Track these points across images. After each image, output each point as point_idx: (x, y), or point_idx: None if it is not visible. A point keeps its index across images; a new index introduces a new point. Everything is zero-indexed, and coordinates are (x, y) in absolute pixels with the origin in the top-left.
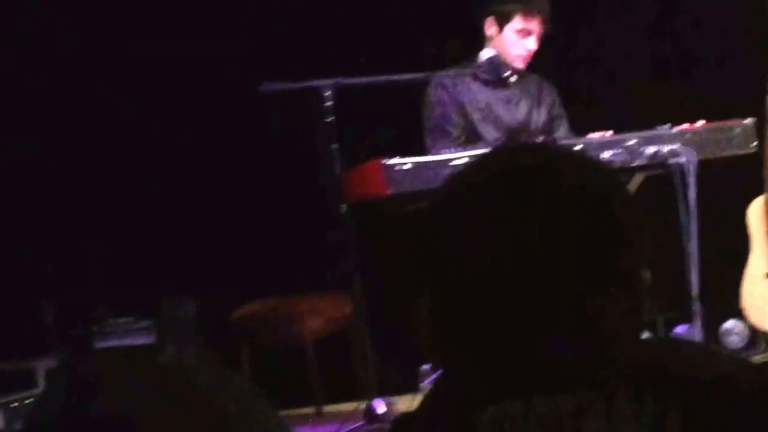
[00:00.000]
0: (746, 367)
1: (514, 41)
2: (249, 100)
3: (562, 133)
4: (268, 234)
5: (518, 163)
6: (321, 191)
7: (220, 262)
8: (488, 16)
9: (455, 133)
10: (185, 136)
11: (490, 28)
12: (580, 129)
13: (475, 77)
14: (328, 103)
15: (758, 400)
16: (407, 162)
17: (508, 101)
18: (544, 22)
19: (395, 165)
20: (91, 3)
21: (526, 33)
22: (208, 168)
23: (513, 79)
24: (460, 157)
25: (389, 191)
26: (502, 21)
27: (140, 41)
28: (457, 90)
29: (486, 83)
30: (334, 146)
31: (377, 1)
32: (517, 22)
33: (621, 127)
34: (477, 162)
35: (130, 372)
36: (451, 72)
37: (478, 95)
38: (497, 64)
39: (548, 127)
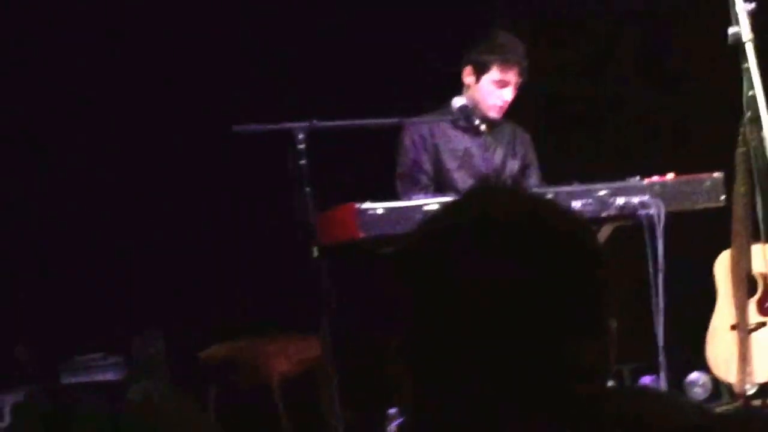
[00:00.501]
0: (712, 418)
1: (491, 91)
2: (223, 141)
3: (533, 182)
4: (238, 274)
5: (493, 208)
6: (293, 233)
7: (190, 301)
8: (466, 65)
9: (425, 181)
10: (158, 176)
11: (467, 76)
12: (551, 178)
13: (453, 124)
14: (302, 146)
15: None
16: (380, 207)
17: (485, 149)
18: (521, 74)
19: (368, 209)
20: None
21: (502, 84)
22: (181, 207)
23: (483, 127)
24: (432, 203)
25: (362, 235)
26: (480, 71)
27: (116, 77)
28: (433, 136)
29: (463, 130)
30: (307, 189)
31: (354, 46)
32: (494, 73)
33: (591, 177)
34: (452, 206)
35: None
36: (427, 118)
37: (455, 142)
38: (468, 113)
39: (521, 175)
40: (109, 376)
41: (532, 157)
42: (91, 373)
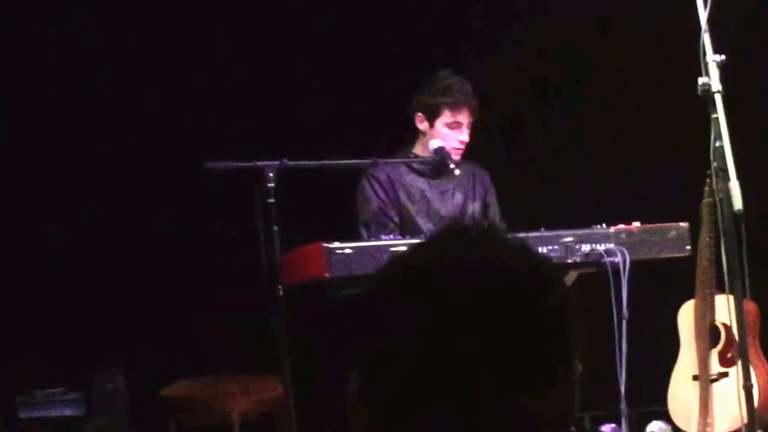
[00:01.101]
0: None
1: (447, 134)
2: (192, 178)
3: (494, 220)
4: (201, 312)
5: (455, 255)
6: (259, 272)
7: (152, 338)
8: (417, 111)
9: (392, 225)
10: (123, 210)
11: (421, 123)
12: (516, 224)
13: (410, 168)
14: (271, 184)
15: None
16: (348, 246)
17: (443, 192)
18: (473, 113)
19: (336, 249)
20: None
21: (456, 125)
22: (146, 243)
23: (457, 171)
24: (400, 244)
25: (329, 275)
26: (432, 116)
27: (89, 108)
28: (392, 181)
29: (420, 174)
30: (275, 228)
31: (323, 87)
32: (446, 116)
33: (557, 223)
34: (414, 251)
35: None
36: (389, 160)
37: (413, 187)
38: (444, 155)
39: (483, 216)
40: (68, 411)
41: (492, 195)
42: (50, 409)
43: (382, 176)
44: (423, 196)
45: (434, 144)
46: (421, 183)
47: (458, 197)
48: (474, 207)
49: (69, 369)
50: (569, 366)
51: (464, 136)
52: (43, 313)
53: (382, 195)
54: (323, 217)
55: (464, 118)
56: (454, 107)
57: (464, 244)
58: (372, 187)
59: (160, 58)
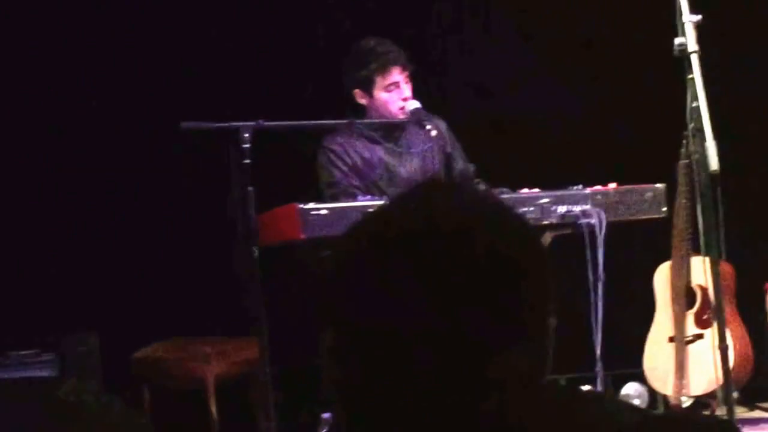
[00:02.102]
0: (648, 419)
1: (388, 98)
2: (167, 138)
3: (460, 165)
4: (177, 274)
5: (422, 213)
6: (234, 233)
7: (126, 301)
8: (352, 89)
9: (359, 193)
10: (98, 171)
11: (361, 98)
12: (492, 185)
13: (362, 137)
14: (247, 145)
15: None
16: (323, 207)
17: (401, 155)
18: (405, 67)
19: (311, 210)
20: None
21: (394, 86)
22: (120, 204)
23: (433, 133)
24: (375, 205)
25: (303, 236)
26: (367, 88)
27: (64, 72)
28: (347, 151)
29: (373, 141)
30: (250, 188)
31: (304, 48)
32: (379, 83)
33: (533, 184)
34: (384, 210)
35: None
36: (365, 120)
37: (369, 153)
38: (421, 116)
39: (447, 167)
40: (41, 373)
41: (451, 143)
42: (23, 370)
43: (337, 147)
44: (381, 161)
45: (411, 105)
46: (377, 149)
47: (417, 156)
48: (434, 161)
49: (42, 331)
50: (543, 321)
51: (405, 91)
52: (15, 275)
53: (341, 165)
54: (299, 178)
55: (397, 75)
56: (384, 71)
57: (431, 203)
58: (330, 159)
59: (135, 19)
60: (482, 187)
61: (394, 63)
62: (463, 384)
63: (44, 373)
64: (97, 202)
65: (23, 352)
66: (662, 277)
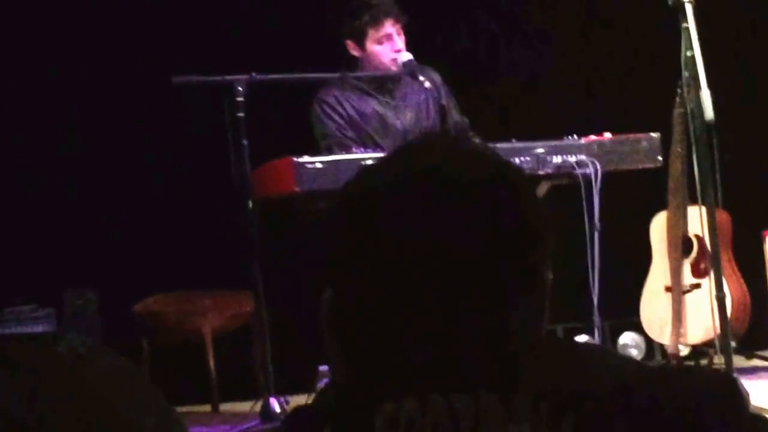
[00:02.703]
0: (645, 371)
1: (380, 51)
2: (160, 92)
3: (454, 118)
4: (173, 227)
5: (421, 164)
6: (230, 186)
7: (123, 254)
8: (344, 40)
9: (353, 145)
10: (93, 126)
11: (354, 50)
12: (487, 135)
13: (356, 89)
14: (241, 99)
15: (652, 408)
16: (318, 160)
17: (395, 107)
18: (398, 19)
19: (306, 163)
20: None
21: (386, 38)
22: (115, 159)
23: (427, 84)
24: (371, 158)
25: (299, 189)
26: (359, 39)
27: (54, 30)
28: (341, 103)
29: (368, 94)
30: (245, 142)
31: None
32: (371, 35)
33: (528, 134)
34: (380, 163)
35: (26, 359)
36: (357, 73)
37: (364, 106)
38: (413, 68)
39: (441, 119)
40: (40, 328)
41: (446, 96)
42: (22, 325)
43: (331, 99)
44: (376, 113)
45: (404, 57)
46: (371, 101)
47: (413, 108)
48: (429, 114)
49: (39, 285)
50: (539, 274)
51: (398, 44)
52: (12, 229)
53: (336, 117)
54: (294, 131)
55: (390, 27)
56: (376, 23)
57: (429, 158)
58: (324, 111)
59: None
60: (477, 140)
61: (386, 15)
62: (460, 334)
63: (42, 329)
64: (93, 156)
65: (21, 308)
66: (658, 226)
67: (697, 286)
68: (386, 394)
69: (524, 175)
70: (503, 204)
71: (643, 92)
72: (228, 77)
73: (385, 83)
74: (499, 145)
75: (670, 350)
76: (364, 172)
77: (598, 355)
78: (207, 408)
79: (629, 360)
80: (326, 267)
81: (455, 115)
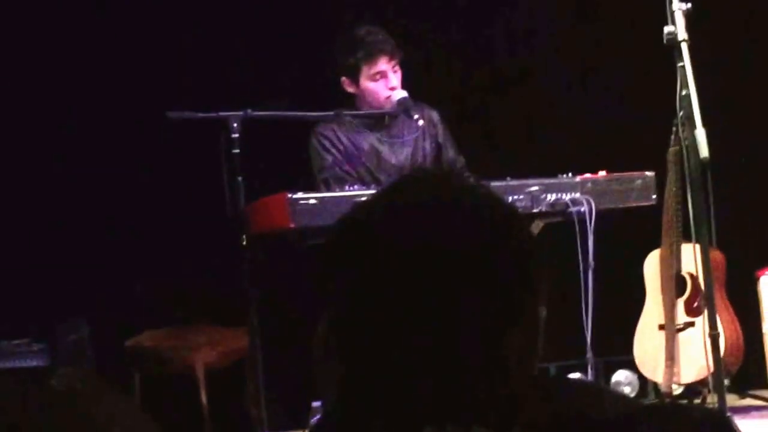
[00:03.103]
0: (638, 409)
1: (375, 87)
2: (156, 128)
3: (450, 156)
4: (167, 263)
5: (414, 199)
6: (225, 222)
7: (117, 289)
8: (339, 77)
9: (350, 178)
10: (87, 161)
11: (349, 86)
12: (482, 173)
13: (352, 124)
14: (236, 135)
15: None
16: (312, 197)
17: (392, 144)
18: (393, 55)
19: (300, 199)
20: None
21: (380, 75)
22: (110, 194)
23: (420, 122)
24: (365, 194)
25: (293, 225)
26: (354, 76)
27: (53, 60)
28: (339, 137)
29: (366, 128)
30: (240, 178)
31: (291, 39)
32: (365, 72)
33: (523, 172)
34: (374, 197)
35: (19, 394)
36: (353, 112)
37: (361, 141)
38: (408, 106)
39: (436, 157)
40: (33, 362)
41: (443, 133)
42: (15, 359)
43: (330, 133)
44: (372, 148)
45: (398, 95)
46: (367, 137)
47: (408, 144)
48: (426, 150)
49: (33, 320)
50: (532, 311)
51: (393, 81)
52: (6, 263)
53: (333, 150)
54: (288, 167)
55: (384, 64)
56: (370, 60)
57: (424, 191)
58: (322, 144)
59: (124, 9)
60: (471, 178)
61: (381, 52)
62: (454, 369)
63: (35, 363)
64: (88, 190)
65: (14, 341)
66: (652, 264)
67: (691, 324)
68: (379, 427)
69: (516, 211)
70: (495, 240)
71: (638, 131)
72: (223, 113)
73: (380, 120)
74: (493, 183)
75: (663, 389)
76: (358, 206)
77: (592, 392)
78: None
79: (623, 397)
80: (320, 300)
81: (451, 153)
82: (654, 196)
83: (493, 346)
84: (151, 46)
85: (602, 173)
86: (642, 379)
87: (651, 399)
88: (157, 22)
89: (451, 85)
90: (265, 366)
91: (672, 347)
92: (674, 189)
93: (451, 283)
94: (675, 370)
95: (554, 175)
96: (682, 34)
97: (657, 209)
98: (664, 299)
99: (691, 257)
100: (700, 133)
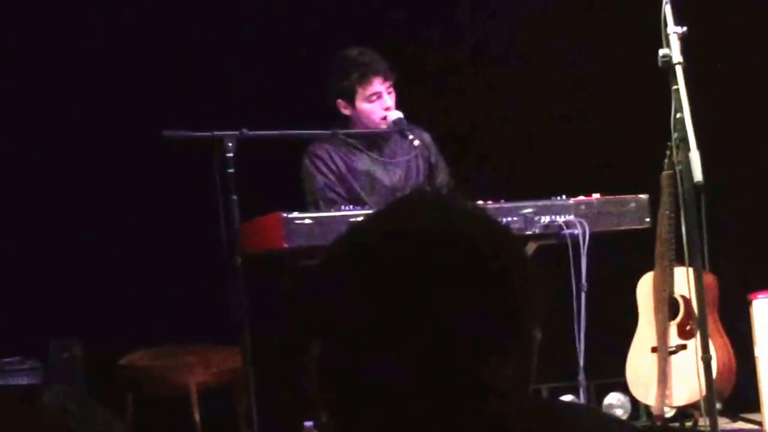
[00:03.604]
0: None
1: (370, 109)
2: (150, 146)
3: (442, 179)
4: (160, 282)
5: (411, 221)
6: (217, 241)
7: (110, 308)
8: (335, 100)
9: (340, 200)
10: (80, 179)
11: (344, 108)
12: (476, 195)
13: (348, 145)
14: (230, 154)
15: None
16: (307, 216)
17: (385, 164)
18: (387, 77)
19: (295, 219)
20: None
21: (375, 97)
22: (103, 212)
23: (416, 143)
24: (360, 215)
25: (287, 245)
26: (349, 98)
27: (45, 81)
28: (332, 158)
29: (360, 150)
30: (234, 197)
31: (287, 57)
32: (360, 94)
33: (517, 194)
34: (371, 219)
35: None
36: (348, 130)
37: (355, 162)
38: (403, 126)
39: (429, 178)
40: (25, 380)
41: (435, 155)
42: (6, 377)
43: (323, 153)
44: (366, 169)
45: (393, 115)
46: (362, 158)
47: (401, 166)
48: (419, 172)
49: (25, 338)
50: (527, 333)
51: (387, 102)
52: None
53: (325, 170)
54: (282, 187)
55: (378, 86)
56: (364, 81)
57: (419, 213)
58: (314, 164)
59: (119, 27)
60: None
61: (375, 73)
62: (450, 390)
63: (28, 381)
64: (81, 209)
65: (6, 360)
66: (645, 287)
67: (683, 347)
68: None
69: (512, 234)
70: (491, 262)
71: (632, 153)
72: (218, 133)
73: (375, 140)
74: (486, 205)
75: (655, 411)
76: (353, 228)
77: (584, 414)
78: None
79: (616, 420)
80: (314, 320)
81: (442, 175)
82: (648, 219)
83: (487, 367)
84: (147, 64)
85: (596, 196)
86: (634, 401)
87: (643, 422)
88: (154, 42)
89: (444, 106)
90: (258, 385)
91: (664, 370)
92: (667, 212)
93: (447, 303)
94: (667, 392)
95: (548, 197)
96: (676, 57)
97: (650, 232)
98: (656, 322)
99: (684, 280)
100: (694, 156)
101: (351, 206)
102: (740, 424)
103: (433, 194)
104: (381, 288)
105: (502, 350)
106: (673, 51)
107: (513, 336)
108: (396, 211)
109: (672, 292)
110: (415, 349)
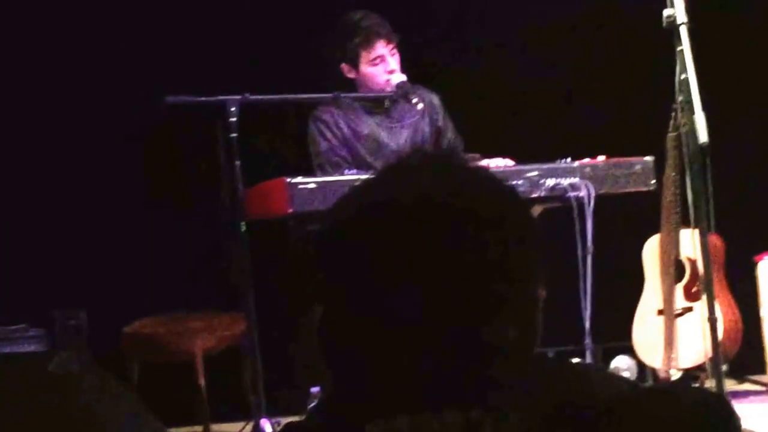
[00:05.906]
0: (638, 390)
1: (374, 72)
2: (153, 112)
3: (449, 139)
4: (164, 248)
5: (411, 185)
6: (222, 207)
7: (114, 275)
8: (339, 64)
9: (345, 164)
10: (84, 146)
11: (349, 72)
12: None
13: (353, 108)
14: (233, 119)
15: (647, 426)
16: (311, 181)
17: (391, 127)
18: (390, 39)
19: (299, 184)
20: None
21: (379, 60)
22: (107, 180)
23: (420, 106)
24: (363, 178)
25: (291, 210)
26: (353, 61)
27: (50, 45)
28: (337, 121)
29: (366, 112)
30: (238, 162)
31: (289, 21)
32: (364, 57)
33: (522, 157)
34: (371, 183)
35: (18, 378)
36: (351, 94)
37: (361, 124)
38: (407, 90)
39: (436, 141)
40: (31, 348)
41: (443, 117)
42: (12, 345)
43: (328, 117)
44: (372, 133)
45: (397, 78)
46: (367, 120)
47: (407, 128)
48: (425, 134)
49: (31, 306)
50: (529, 293)
51: (391, 64)
52: (4, 250)
53: (329, 135)
54: (286, 151)
55: (382, 48)
56: (367, 45)
57: (423, 173)
58: (318, 128)
59: None
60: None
61: (378, 36)
62: (451, 350)
63: (34, 348)
64: (85, 177)
65: (12, 327)
66: (651, 249)
67: (690, 309)
68: (377, 411)
69: (514, 193)
70: (496, 222)
71: (637, 115)
72: (221, 97)
73: (380, 103)
74: (492, 168)
75: (661, 374)
76: (354, 192)
77: (592, 373)
78: (198, 429)
79: (623, 379)
80: (316, 284)
81: (450, 135)
82: (653, 182)
83: (490, 328)
84: (149, 31)
85: (601, 158)
86: (640, 364)
87: (649, 384)
88: (156, 6)
89: (449, 69)
90: (264, 351)
91: (670, 332)
92: (673, 174)
93: (444, 265)
94: (673, 355)
95: (553, 160)
96: (681, 18)
97: (656, 194)
98: (662, 284)
99: (690, 242)
100: (699, 118)
101: (356, 170)
102: (746, 386)
103: (436, 155)
104: (379, 252)
105: (503, 310)
106: (678, 11)
107: (514, 296)
108: (397, 174)
109: (678, 254)
110: (414, 310)
